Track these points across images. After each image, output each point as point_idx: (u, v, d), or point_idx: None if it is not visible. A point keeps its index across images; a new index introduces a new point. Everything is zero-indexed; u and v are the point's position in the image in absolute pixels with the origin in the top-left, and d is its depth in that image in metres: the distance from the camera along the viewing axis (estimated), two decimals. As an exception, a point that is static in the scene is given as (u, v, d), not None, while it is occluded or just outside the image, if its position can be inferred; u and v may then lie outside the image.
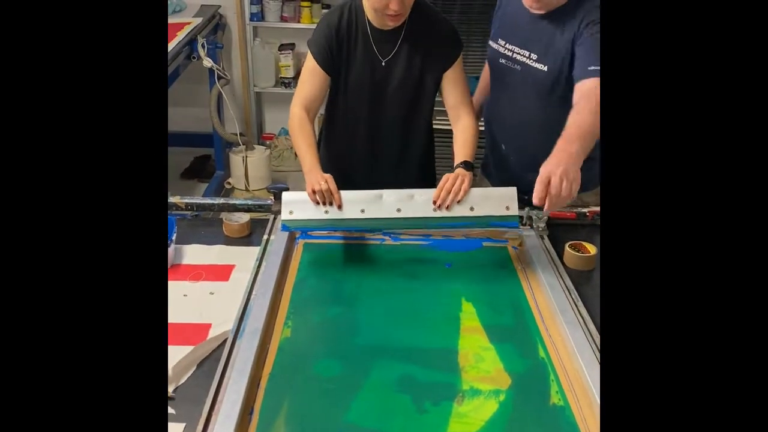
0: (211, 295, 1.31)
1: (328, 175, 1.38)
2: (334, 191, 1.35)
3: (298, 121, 1.51)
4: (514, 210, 1.36)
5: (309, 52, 1.55)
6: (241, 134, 3.36)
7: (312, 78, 1.55)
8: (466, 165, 1.45)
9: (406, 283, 1.33)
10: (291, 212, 1.34)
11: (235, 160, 3.29)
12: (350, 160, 1.68)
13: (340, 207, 1.34)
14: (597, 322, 1.22)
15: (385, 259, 1.42)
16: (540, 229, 1.54)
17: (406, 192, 1.37)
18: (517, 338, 1.19)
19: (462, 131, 1.54)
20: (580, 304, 1.26)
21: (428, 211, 1.34)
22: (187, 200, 1.64)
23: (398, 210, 1.34)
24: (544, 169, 1.25)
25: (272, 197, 1.61)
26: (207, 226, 1.62)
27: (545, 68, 1.52)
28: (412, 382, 1.06)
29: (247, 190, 3.26)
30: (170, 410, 1.00)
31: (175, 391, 1.05)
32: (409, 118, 1.63)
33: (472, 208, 1.34)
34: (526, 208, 1.58)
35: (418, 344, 1.15)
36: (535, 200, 1.24)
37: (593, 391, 1.03)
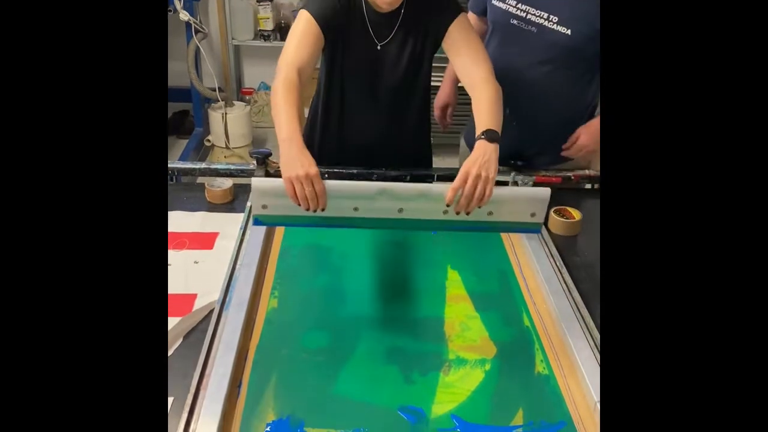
0: (196, 264, 1.30)
1: (313, 170, 1.06)
2: (320, 194, 1.06)
3: (287, 83, 1.22)
4: (540, 216, 1.11)
5: (305, 12, 1.35)
6: (219, 89, 3.29)
7: (308, 39, 1.33)
8: (490, 135, 1.16)
9: (393, 251, 1.33)
10: (264, 206, 1.09)
11: (215, 116, 3.22)
12: (343, 129, 1.57)
13: (324, 210, 1.08)
14: (581, 289, 1.24)
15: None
16: (525, 194, 1.54)
17: (412, 188, 1.09)
18: (503, 306, 1.20)
19: (482, 95, 1.26)
20: (564, 271, 1.27)
21: (436, 213, 1.08)
22: (168, 165, 1.60)
23: (400, 210, 1.08)
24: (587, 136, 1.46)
25: (255, 162, 1.59)
26: (189, 191, 1.60)
27: (569, 32, 1.46)
28: (399, 352, 1.07)
29: (227, 147, 3.21)
30: (158, 384, 1.00)
31: (162, 364, 1.04)
32: (404, 93, 1.52)
33: (490, 213, 1.09)
34: (513, 173, 1.57)
35: (405, 313, 1.16)
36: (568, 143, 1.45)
37: (577, 359, 1.04)
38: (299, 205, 1.06)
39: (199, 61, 3.32)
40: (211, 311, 1.15)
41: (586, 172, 1.63)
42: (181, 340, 1.10)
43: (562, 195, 1.62)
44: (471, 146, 1.77)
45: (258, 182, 1.09)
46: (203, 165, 1.64)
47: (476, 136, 1.16)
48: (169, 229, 1.41)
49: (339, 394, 0.98)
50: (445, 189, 1.07)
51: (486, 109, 1.22)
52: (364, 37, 1.41)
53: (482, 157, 1.10)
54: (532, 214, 1.10)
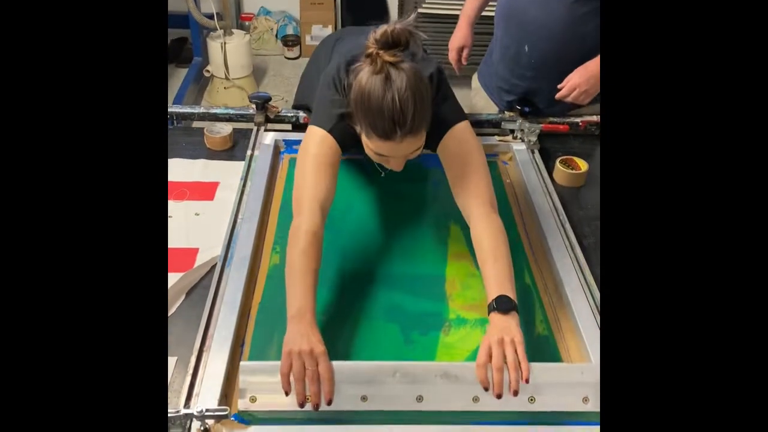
0: (197, 216, 1.29)
1: (320, 348, 0.88)
2: (325, 378, 0.86)
3: (305, 238, 1.01)
4: (595, 403, 0.89)
5: (318, 129, 1.11)
6: (218, 15, 3.17)
7: (328, 162, 1.10)
8: (503, 307, 0.95)
9: (395, 206, 1.31)
10: (253, 399, 0.87)
11: (214, 46, 3.13)
12: None
13: (330, 403, 0.87)
14: (584, 245, 1.23)
15: (373, 178, 1.39)
16: (531, 143, 1.51)
17: (434, 367, 0.91)
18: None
19: (485, 244, 1.04)
20: (567, 227, 1.26)
21: (465, 400, 0.89)
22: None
23: (419, 399, 0.88)
24: None
25: (254, 107, 1.55)
26: (188, 136, 1.57)
27: None
28: (400, 311, 1.08)
29: (227, 78, 3.13)
30: (162, 343, 1.01)
31: (165, 322, 1.05)
32: None
33: (532, 399, 0.89)
34: (519, 120, 1.54)
35: (407, 271, 1.16)
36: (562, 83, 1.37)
37: (577, 320, 1.05)
38: (287, 393, 0.85)
39: (196, -14, 3.19)
40: (213, 267, 1.15)
41: (594, 118, 1.59)
42: (183, 297, 1.11)
43: (570, 141, 1.59)
44: (485, 86, 1.74)
45: (246, 369, 0.87)
46: (202, 109, 1.60)
47: (488, 304, 0.98)
48: (169, 178, 1.40)
49: (340, 355, 0.99)
50: (469, 368, 0.90)
51: (492, 268, 1.01)
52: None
53: (499, 325, 0.93)
54: (585, 399, 0.90)
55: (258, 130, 1.51)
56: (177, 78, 3.33)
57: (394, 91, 0.97)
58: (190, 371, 0.93)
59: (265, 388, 0.87)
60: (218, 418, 0.84)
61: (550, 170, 1.45)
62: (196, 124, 1.69)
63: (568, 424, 0.90)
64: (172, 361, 0.99)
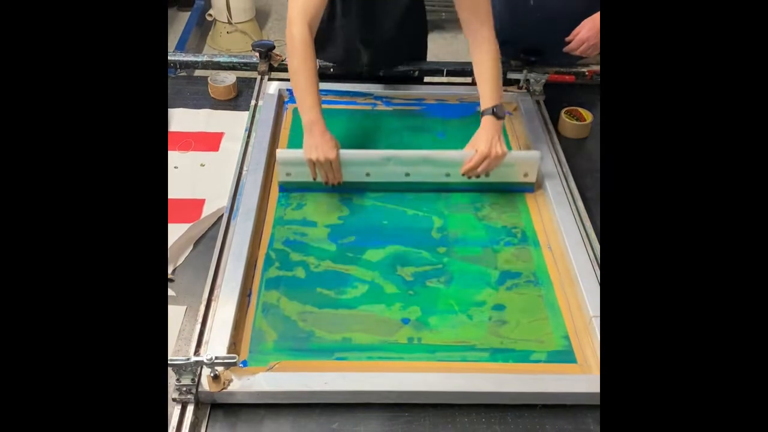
0: (202, 167, 1.30)
1: (332, 155, 1.16)
2: (336, 173, 1.18)
3: (300, 45, 1.19)
4: (533, 177, 1.24)
5: None
6: (220, -44, 3.09)
7: None
8: (498, 113, 1.22)
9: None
10: (288, 174, 1.21)
11: (215, -12, 3.06)
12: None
13: (340, 184, 1.20)
14: (586, 197, 1.24)
15: (378, 127, 1.39)
16: (536, 93, 1.49)
17: (417, 155, 1.23)
18: (505, 215, 1.21)
19: (486, 61, 1.25)
20: (570, 179, 1.27)
21: (440, 176, 1.23)
22: (168, 57, 1.55)
23: (407, 174, 1.23)
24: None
25: (257, 55, 1.54)
26: (191, 85, 1.57)
27: None
28: (404, 262, 1.09)
29: (229, 23, 3.08)
30: (170, 292, 1.04)
31: (173, 272, 1.08)
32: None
33: (487, 175, 1.22)
34: (525, 71, 1.52)
35: (410, 224, 1.17)
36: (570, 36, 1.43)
37: (576, 270, 1.07)
38: (314, 179, 1.20)
39: (196, -75, 3.10)
40: (220, 218, 1.17)
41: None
42: (191, 247, 1.13)
43: (576, 92, 1.57)
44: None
45: (282, 153, 1.21)
46: (205, 57, 1.59)
47: (483, 109, 1.23)
48: (174, 128, 1.40)
49: (344, 305, 1.02)
50: (447, 156, 1.22)
51: (490, 79, 1.24)
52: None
53: (495, 136, 1.20)
54: (525, 174, 1.24)
55: (262, 80, 1.50)
56: (179, 22, 3.28)
57: None
58: (200, 320, 0.96)
59: (296, 167, 1.20)
60: (227, 365, 0.87)
61: (555, 121, 1.45)
62: (199, 72, 1.68)
63: (512, 190, 1.25)
64: (181, 310, 1.02)
